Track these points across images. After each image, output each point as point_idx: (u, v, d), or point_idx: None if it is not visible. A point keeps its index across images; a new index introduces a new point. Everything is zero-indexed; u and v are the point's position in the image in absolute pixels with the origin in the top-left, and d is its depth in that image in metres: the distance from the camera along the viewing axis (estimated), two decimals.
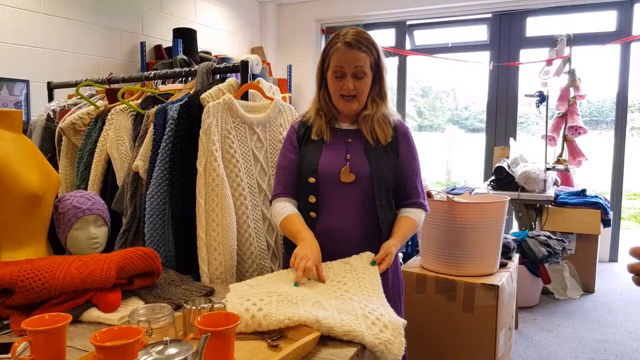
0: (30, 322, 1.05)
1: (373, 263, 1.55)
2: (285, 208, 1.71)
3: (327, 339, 1.23)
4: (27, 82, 3.48)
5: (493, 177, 4.52)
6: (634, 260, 0.86)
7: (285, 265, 1.81)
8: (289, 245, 1.80)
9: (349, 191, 1.68)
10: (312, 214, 1.71)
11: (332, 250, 1.65)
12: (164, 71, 2.36)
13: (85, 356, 1.08)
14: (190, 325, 1.21)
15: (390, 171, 1.70)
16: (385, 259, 1.57)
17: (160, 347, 0.92)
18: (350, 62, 1.62)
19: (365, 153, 1.70)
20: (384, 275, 1.63)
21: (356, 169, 1.67)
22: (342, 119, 1.76)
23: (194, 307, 1.22)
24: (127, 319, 1.21)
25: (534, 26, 5.32)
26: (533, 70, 4.96)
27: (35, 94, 3.50)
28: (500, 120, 5.44)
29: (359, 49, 1.62)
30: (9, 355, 1.03)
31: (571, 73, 4.59)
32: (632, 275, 0.86)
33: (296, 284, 1.46)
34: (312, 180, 1.69)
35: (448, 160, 8.86)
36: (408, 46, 5.82)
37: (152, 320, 1.13)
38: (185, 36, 4.42)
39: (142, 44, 4.36)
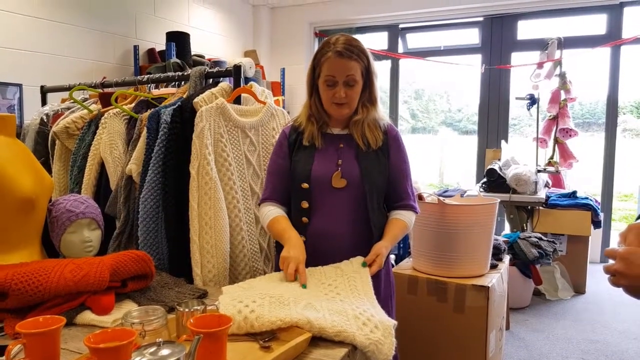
0: (25, 324, 1.06)
1: (364, 264, 1.58)
2: (273, 210, 1.74)
3: (319, 340, 1.25)
4: (20, 85, 3.49)
5: (485, 180, 4.55)
6: (609, 262, 0.89)
7: (278, 267, 1.83)
8: (281, 248, 1.81)
9: (341, 196, 1.70)
10: (304, 219, 1.72)
11: (324, 254, 1.67)
12: (157, 75, 2.37)
13: (79, 358, 1.09)
14: (183, 327, 1.23)
15: (381, 175, 1.73)
16: (376, 260, 1.59)
17: (153, 349, 0.93)
18: (342, 71, 1.64)
19: (356, 157, 1.72)
20: (376, 277, 1.65)
21: (347, 174, 1.69)
22: (334, 124, 1.78)
23: (187, 309, 1.24)
24: (120, 321, 1.22)
25: (525, 29, 5.37)
26: (524, 73, 5.01)
27: (28, 98, 3.50)
28: (492, 123, 5.49)
29: (349, 58, 1.63)
30: (4, 357, 1.04)
31: (562, 76, 4.63)
32: (607, 275, 0.89)
33: (304, 286, 1.50)
34: (305, 185, 1.71)
35: (441, 163, 8.90)
36: (401, 49, 5.86)
37: (146, 322, 1.15)
38: (179, 40, 4.43)
39: (135, 48, 4.37)
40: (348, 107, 1.70)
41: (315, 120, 1.76)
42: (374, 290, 1.49)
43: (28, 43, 3.55)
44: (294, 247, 1.59)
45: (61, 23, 3.77)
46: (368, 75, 1.71)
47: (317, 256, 1.67)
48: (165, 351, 0.93)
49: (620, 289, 0.88)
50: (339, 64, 1.64)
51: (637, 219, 0.94)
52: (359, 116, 1.73)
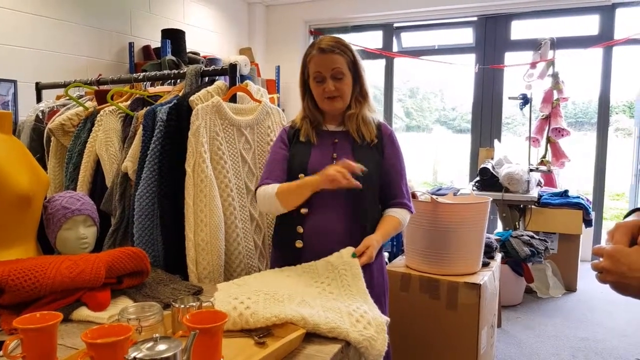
0: (22, 320, 1.07)
1: (354, 255, 1.58)
2: (274, 184, 1.73)
3: (313, 336, 1.27)
4: (14, 82, 3.48)
5: (478, 178, 4.59)
6: (597, 259, 0.92)
7: (273, 264, 1.85)
8: (280, 244, 1.83)
9: (336, 190, 1.72)
10: (303, 210, 1.74)
11: (318, 247, 1.69)
12: (152, 73, 2.38)
13: (76, 353, 1.10)
14: (179, 323, 1.25)
15: (375, 170, 1.75)
16: (366, 252, 1.60)
17: (150, 344, 0.95)
18: (327, 65, 1.70)
19: (352, 151, 1.75)
20: (369, 273, 1.67)
21: None
22: (329, 121, 1.82)
23: (182, 306, 1.25)
24: (117, 317, 1.23)
25: (519, 29, 5.40)
26: (517, 73, 5.04)
27: (23, 94, 3.49)
28: (485, 122, 5.53)
29: (332, 52, 1.70)
30: (1, 353, 1.06)
31: (554, 76, 4.67)
32: (595, 273, 0.91)
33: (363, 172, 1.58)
34: (302, 177, 1.74)
35: (435, 161, 8.94)
36: (395, 48, 5.87)
37: (142, 318, 1.16)
38: (174, 37, 4.43)
39: (131, 45, 4.37)
40: (341, 100, 1.75)
41: (310, 121, 1.81)
42: (367, 287, 1.51)
43: (23, 39, 3.54)
44: (318, 175, 1.60)
45: (56, 19, 3.76)
46: (355, 69, 1.76)
47: (311, 248, 1.70)
48: (161, 346, 0.94)
49: (608, 285, 0.91)
50: (323, 59, 1.70)
51: (625, 217, 0.97)
52: (352, 111, 1.78)
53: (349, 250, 1.62)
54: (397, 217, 1.77)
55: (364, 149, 1.75)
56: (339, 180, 1.53)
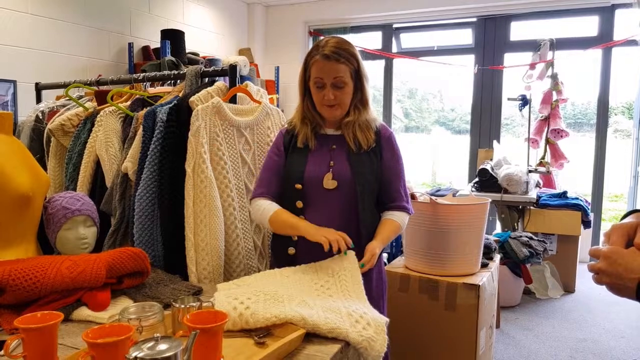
0: (23, 320, 1.07)
1: (362, 265, 1.59)
2: (271, 205, 1.74)
3: (313, 336, 1.27)
4: (14, 82, 3.48)
5: (477, 179, 4.59)
6: (593, 261, 0.92)
7: (272, 265, 1.85)
8: (277, 249, 1.83)
9: (333, 197, 1.72)
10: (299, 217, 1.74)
11: (315, 254, 1.68)
12: (152, 74, 2.38)
13: (77, 353, 1.11)
14: (179, 323, 1.25)
15: (373, 176, 1.74)
16: (370, 260, 1.61)
17: (151, 344, 0.95)
18: (329, 73, 1.66)
19: (348, 159, 1.74)
20: (367, 277, 1.68)
21: (339, 176, 1.72)
22: (328, 125, 1.81)
23: (183, 306, 1.26)
24: (117, 317, 1.24)
25: (518, 30, 5.41)
26: (517, 74, 5.05)
27: (22, 95, 3.50)
28: (485, 123, 5.54)
29: (337, 61, 1.66)
30: (2, 352, 1.06)
31: (554, 77, 4.68)
32: (592, 274, 0.92)
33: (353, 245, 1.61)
34: (299, 186, 1.74)
35: (434, 162, 8.95)
36: (394, 49, 5.88)
37: (143, 318, 1.17)
38: (173, 37, 4.43)
39: (130, 45, 4.37)
40: (340, 109, 1.73)
41: (309, 122, 1.79)
42: (365, 289, 1.51)
43: (22, 39, 3.54)
44: (316, 227, 1.64)
45: (56, 20, 3.76)
46: (358, 78, 1.73)
47: (308, 255, 1.69)
48: (162, 346, 0.95)
49: (604, 287, 0.91)
50: (326, 66, 1.66)
51: (622, 219, 0.97)
52: (350, 118, 1.75)
53: (352, 255, 1.60)
54: (396, 220, 1.76)
55: (360, 155, 1.74)
56: (330, 242, 1.57)
